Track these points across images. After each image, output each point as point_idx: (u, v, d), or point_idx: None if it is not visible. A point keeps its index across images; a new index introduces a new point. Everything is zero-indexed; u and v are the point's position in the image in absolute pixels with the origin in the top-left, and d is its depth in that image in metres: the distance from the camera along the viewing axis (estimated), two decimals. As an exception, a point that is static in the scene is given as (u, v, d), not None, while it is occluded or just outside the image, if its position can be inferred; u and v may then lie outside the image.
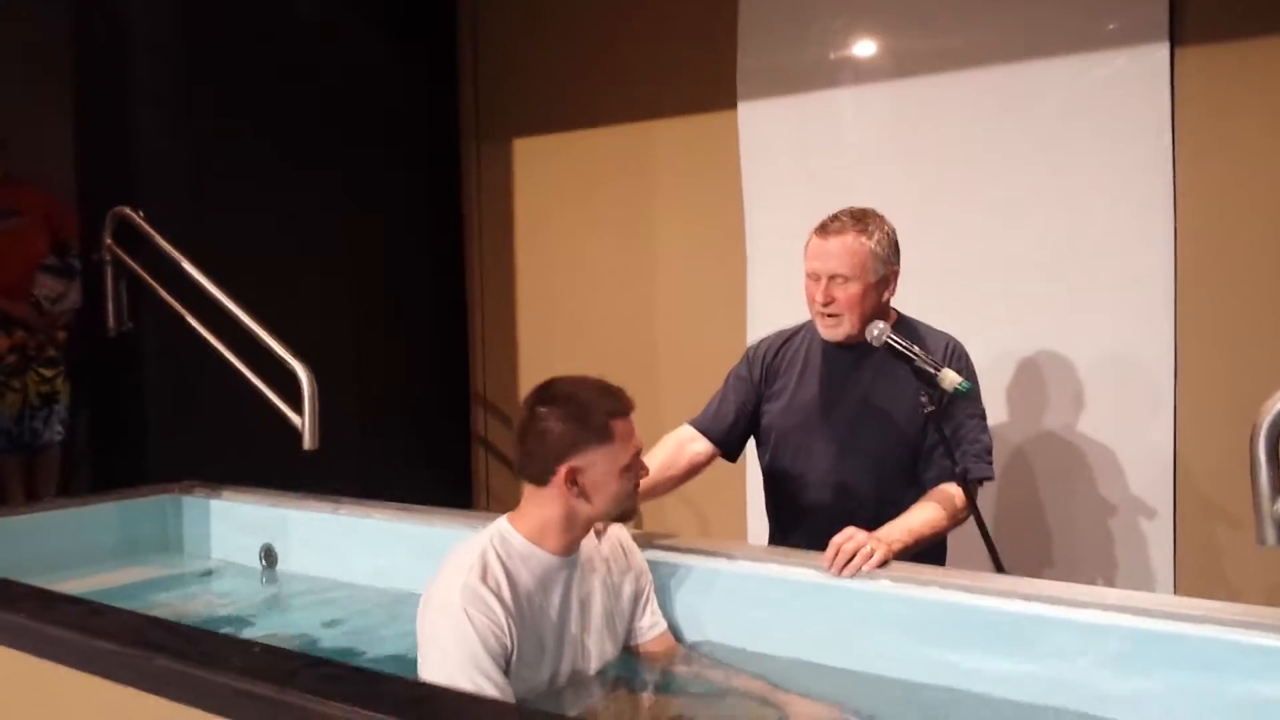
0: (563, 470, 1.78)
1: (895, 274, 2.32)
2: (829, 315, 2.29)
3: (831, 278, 2.27)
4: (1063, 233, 3.19)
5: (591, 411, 1.80)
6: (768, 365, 2.47)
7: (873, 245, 2.26)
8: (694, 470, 2.44)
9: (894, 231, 2.32)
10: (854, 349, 2.34)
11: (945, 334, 2.39)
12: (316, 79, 3.99)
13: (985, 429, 2.33)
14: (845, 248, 2.26)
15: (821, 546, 2.03)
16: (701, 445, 2.45)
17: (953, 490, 2.21)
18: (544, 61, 4.30)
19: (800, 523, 2.42)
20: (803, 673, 1.97)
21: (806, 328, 2.45)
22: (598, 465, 1.79)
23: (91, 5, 3.53)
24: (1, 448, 4.14)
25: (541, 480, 1.81)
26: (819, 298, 2.29)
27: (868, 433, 2.34)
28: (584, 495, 1.80)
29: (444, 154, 4.52)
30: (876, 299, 2.30)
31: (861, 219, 2.29)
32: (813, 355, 2.42)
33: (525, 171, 4.42)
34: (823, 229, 2.31)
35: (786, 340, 2.49)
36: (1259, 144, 2.94)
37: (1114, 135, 3.10)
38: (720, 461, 2.51)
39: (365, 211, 4.17)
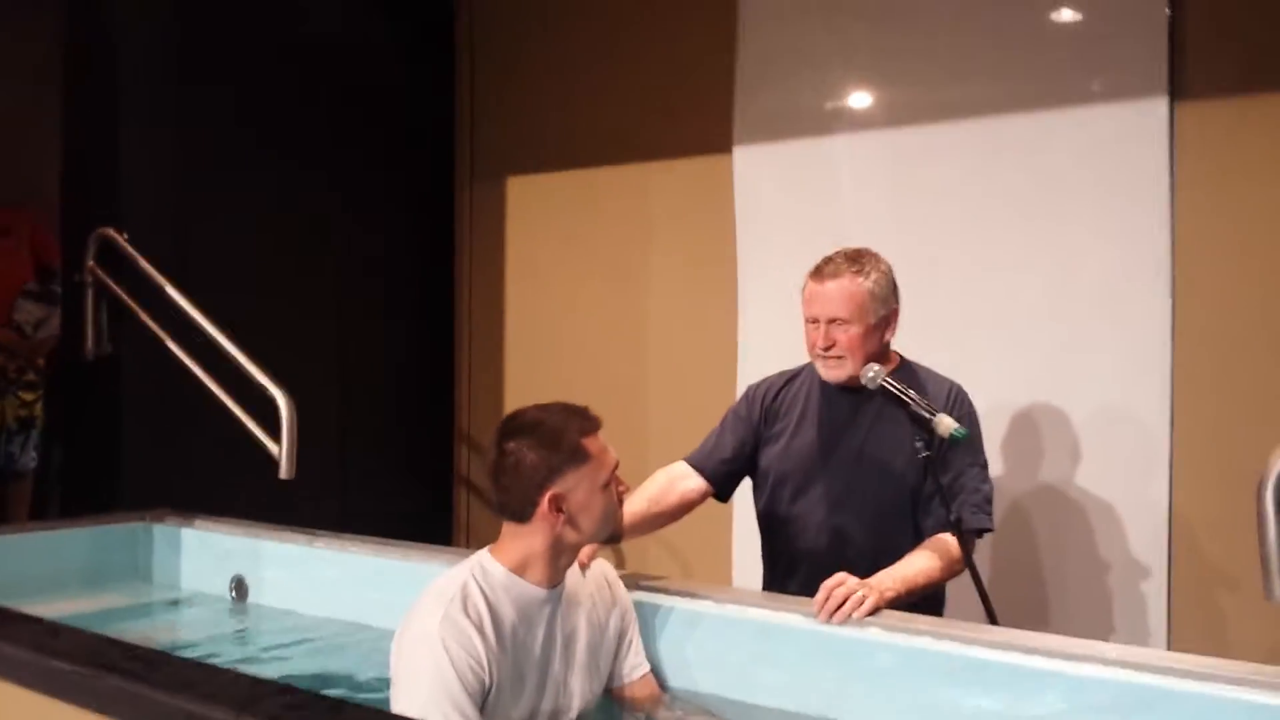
0: (545, 499, 1.74)
1: (895, 313, 2.28)
2: (831, 358, 2.25)
3: (831, 321, 2.23)
4: (1060, 285, 3.15)
5: (562, 434, 1.77)
6: (767, 407, 2.42)
7: (870, 286, 2.23)
8: (685, 508, 2.37)
9: (891, 270, 2.29)
10: (855, 393, 2.28)
11: (949, 380, 2.35)
12: (311, 109, 3.96)
13: (986, 478, 2.28)
14: (842, 291, 2.22)
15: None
16: (694, 482, 2.38)
17: (949, 539, 2.14)
18: (540, 100, 4.28)
19: (796, 569, 2.35)
20: (789, 722, 1.90)
21: (807, 370, 2.40)
22: (579, 487, 1.76)
23: (81, 22, 3.50)
24: (-25, 472, 4.06)
25: (524, 515, 1.76)
26: (820, 342, 2.25)
27: (866, 479, 2.29)
28: (571, 521, 1.76)
29: (437, 189, 4.50)
30: (878, 339, 2.26)
31: (857, 259, 2.26)
32: (813, 399, 2.37)
33: (518, 209, 4.38)
34: (818, 273, 2.27)
35: (787, 382, 2.44)
36: (1258, 200, 2.92)
37: (1112, 188, 3.08)
38: (707, 507, 2.44)
39: (355, 242, 4.13)
